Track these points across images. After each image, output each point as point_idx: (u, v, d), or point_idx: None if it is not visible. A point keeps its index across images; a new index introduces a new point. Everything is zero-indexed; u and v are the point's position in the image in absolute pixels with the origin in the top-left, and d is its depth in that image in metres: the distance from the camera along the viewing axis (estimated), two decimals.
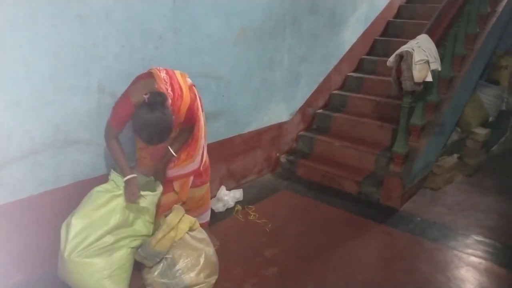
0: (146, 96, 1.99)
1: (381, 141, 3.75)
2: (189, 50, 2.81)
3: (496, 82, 4.71)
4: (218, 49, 3.02)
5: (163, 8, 2.58)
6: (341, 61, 4.42)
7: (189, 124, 2.30)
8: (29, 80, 2.05)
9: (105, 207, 2.10)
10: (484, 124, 4.37)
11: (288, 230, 2.94)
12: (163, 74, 2.17)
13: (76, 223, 2.04)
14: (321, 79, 4.24)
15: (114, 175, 2.18)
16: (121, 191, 2.13)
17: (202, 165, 2.50)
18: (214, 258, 2.31)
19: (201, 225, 2.47)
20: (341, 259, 2.63)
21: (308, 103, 4.15)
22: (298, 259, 2.60)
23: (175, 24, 2.67)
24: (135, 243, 2.19)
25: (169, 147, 2.28)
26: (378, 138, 3.78)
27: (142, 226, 2.22)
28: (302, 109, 4.10)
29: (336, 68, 4.38)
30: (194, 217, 2.38)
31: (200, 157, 2.46)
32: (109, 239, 2.08)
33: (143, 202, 2.17)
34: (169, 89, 2.13)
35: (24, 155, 2.11)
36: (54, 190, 2.23)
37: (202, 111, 2.44)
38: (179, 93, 2.15)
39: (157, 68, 2.21)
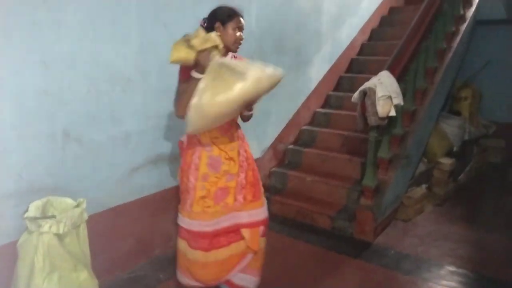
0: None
1: (351, 175, 3.79)
2: (158, 92, 2.81)
3: (458, 113, 4.92)
4: None
5: (130, 51, 2.59)
6: (309, 97, 4.52)
7: None
8: None
9: None
10: (449, 154, 4.52)
11: (263, 271, 2.88)
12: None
13: None
14: (290, 115, 4.31)
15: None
16: None
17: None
18: None
19: None
20: None
21: (279, 139, 4.20)
22: None
23: (143, 66, 2.69)
24: None
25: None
26: (348, 172, 3.83)
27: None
28: (273, 145, 4.13)
29: (305, 105, 4.48)
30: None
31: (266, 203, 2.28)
32: None
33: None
34: None
35: None
36: (16, 242, 2.13)
37: None
38: None
39: None
